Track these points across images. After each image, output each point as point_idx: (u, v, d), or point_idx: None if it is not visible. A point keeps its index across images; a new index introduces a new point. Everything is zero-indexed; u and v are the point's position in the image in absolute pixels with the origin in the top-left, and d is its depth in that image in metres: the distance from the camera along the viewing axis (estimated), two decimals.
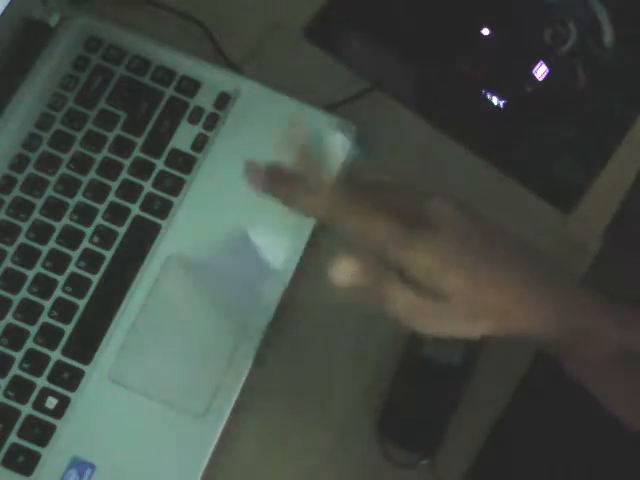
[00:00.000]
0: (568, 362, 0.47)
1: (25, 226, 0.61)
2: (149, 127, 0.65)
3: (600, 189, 0.69)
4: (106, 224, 0.62)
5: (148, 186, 0.63)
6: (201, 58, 0.67)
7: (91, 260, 0.61)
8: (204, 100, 0.66)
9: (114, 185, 0.63)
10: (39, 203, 0.62)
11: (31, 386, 0.58)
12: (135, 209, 0.63)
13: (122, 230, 0.62)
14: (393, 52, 0.71)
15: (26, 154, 0.63)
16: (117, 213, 0.62)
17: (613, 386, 0.49)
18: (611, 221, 0.68)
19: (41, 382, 0.58)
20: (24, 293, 0.60)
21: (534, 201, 0.68)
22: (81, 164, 0.63)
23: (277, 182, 0.45)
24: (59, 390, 0.58)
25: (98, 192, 0.63)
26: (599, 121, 0.71)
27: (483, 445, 0.61)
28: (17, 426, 0.57)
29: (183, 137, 0.65)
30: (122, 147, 0.64)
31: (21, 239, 0.61)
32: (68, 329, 0.60)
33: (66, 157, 0.63)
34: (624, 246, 0.70)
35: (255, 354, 0.60)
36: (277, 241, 0.49)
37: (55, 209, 0.62)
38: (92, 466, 0.57)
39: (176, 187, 0.63)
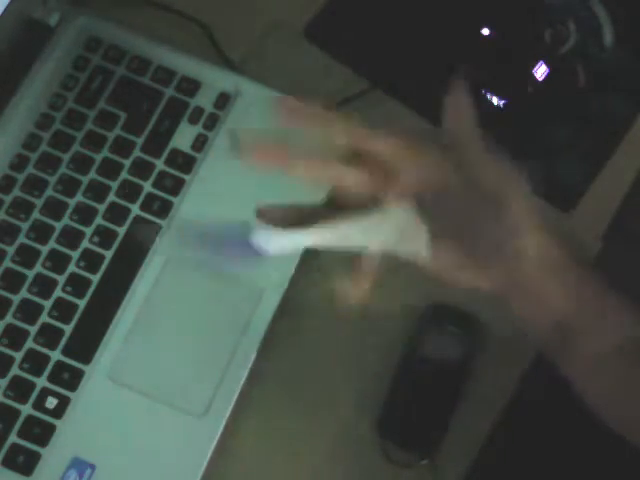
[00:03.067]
0: (566, 353, 0.47)
1: (25, 226, 0.61)
2: (149, 127, 0.65)
3: (600, 189, 0.69)
4: (106, 224, 0.62)
5: (148, 186, 0.63)
6: (201, 58, 0.67)
7: (91, 260, 0.61)
8: (204, 100, 0.66)
9: (114, 185, 0.63)
10: (39, 203, 0.62)
11: (31, 386, 0.58)
12: (135, 209, 0.63)
13: (122, 230, 0.62)
14: (393, 52, 0.71)
15: (26, 154, 0.63)
16: (117, 213, 0.62)
17: (606, 386, 0.48)
18: (611, 221, 0.68)
19: (41, 382, 0.58)
20: (24, 293, 0.60)
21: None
22: (81, 164, 0.63)
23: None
24: (59, 390, 0.58)
25: (98, 192, 0.63)
26: (599, 121, 0.71)
27: (483, 445, 0.61)
28: (17, 426, 0.57)
29: (183, 137, 0.65)
30: (122, 147, 0.64)
31: (21, 239, 0.61)
32: (68, 329, 0.60)
33: (66, 157, 0.63)
34: (624, 246, 0.70)
35: (254, 355, 0.60)
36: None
37: (55, 209, 0.62)
38: (92, 466, 0.57)
39: (176, 187, 0.63)
